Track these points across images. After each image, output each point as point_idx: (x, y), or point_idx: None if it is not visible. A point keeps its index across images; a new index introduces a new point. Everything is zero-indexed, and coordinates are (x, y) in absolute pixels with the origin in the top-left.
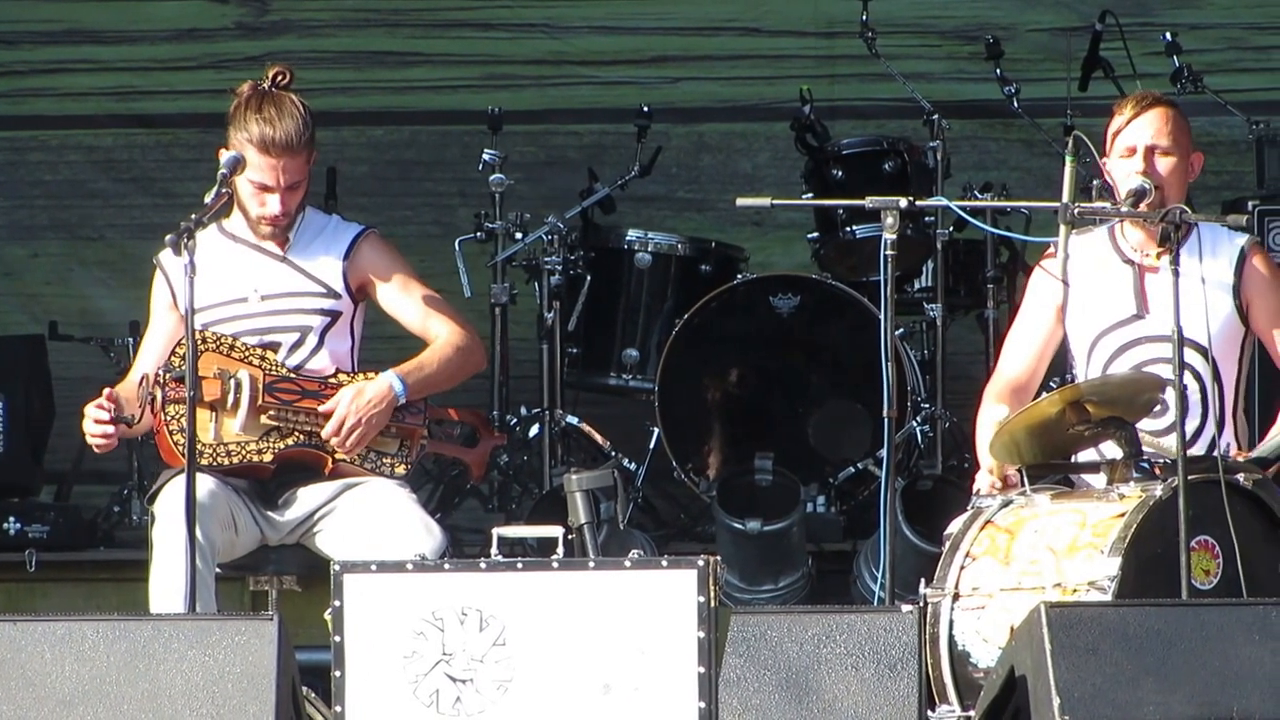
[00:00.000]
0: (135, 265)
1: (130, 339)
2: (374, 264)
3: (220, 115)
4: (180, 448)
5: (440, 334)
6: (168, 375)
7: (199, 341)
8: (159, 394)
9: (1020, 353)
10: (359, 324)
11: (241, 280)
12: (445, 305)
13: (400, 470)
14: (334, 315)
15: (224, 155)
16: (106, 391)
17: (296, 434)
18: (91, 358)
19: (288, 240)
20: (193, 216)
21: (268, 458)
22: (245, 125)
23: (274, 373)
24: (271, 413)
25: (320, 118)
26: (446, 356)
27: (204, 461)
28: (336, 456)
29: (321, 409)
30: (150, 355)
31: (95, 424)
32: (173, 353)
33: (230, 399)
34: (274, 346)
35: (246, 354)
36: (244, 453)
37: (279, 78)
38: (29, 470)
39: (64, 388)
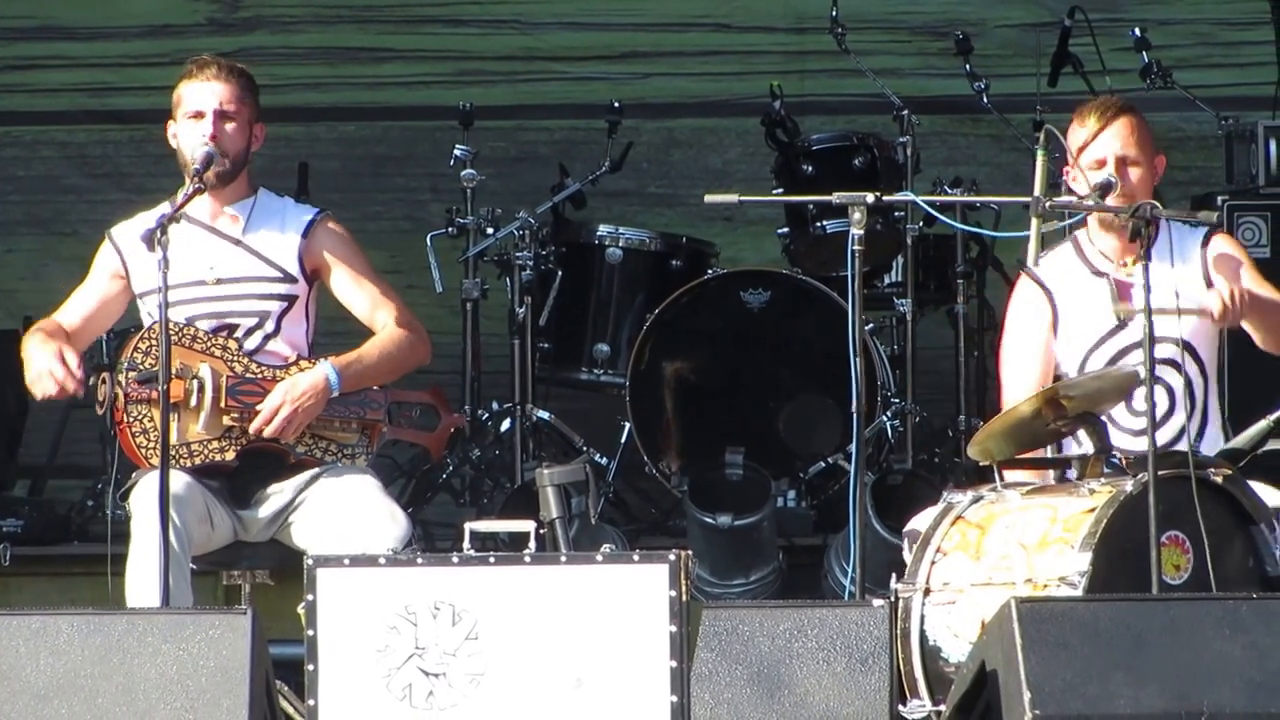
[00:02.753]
0: None
1: (104, 334)
2: (329, 248)
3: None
4: (143, 450)
5: (385, 325)
6: (130, 375)
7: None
8: (120, 393)
9: (1025, 377)
10: (314, 306)
11: (197, 262)
12: (394, 296)
13: (361, 461)
14: (290, 300)
15: (199, 151)
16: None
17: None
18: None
19: (246, 222)
20: (166, 212)
21: (229, 455)
22: (177, 82)
23: (235, 368)
24: (235, 414)
25: (292, 113)
26: (387, 350)
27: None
28: (294, 448)
29: (259, 406)
30: (77, 313)
31: (61, 370)
32: (135, 349)
33: (193, 398)
34: (231, 329)
35: (208, 345)
36: (206, 452)
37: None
38: (2, 464)
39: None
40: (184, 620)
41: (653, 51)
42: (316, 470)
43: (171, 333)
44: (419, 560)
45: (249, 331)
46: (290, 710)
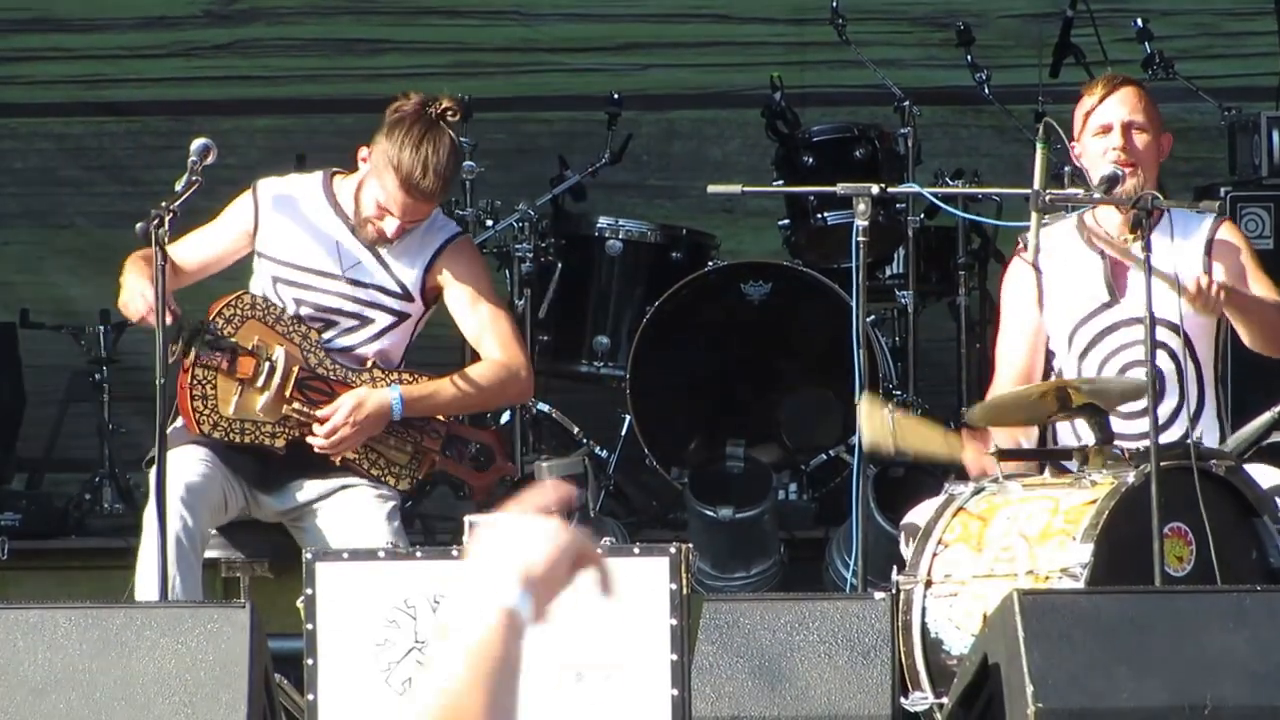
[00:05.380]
0: (105, 253)
1: (101, 327)
2: (453, 270)
3: (191, 103)
4: (196, 415)
5: (483, 358)
6: (206, 339)
7: (248, 305)
8: (192, 354)
9: (1014, 350)
10: (420, 325)
11: (334, 256)
12: (507, 328)
13: (404, 485)
14: (401, 316)
15: (195, 142)
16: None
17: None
18: (62, 346)
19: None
20: (164, 205)
21: (280, 442)
22: (400, 148)
23: (310, 359)
24: (297, 405)
25: (289, 105)
26: (468, 388)
27: (216, 434)
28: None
29: (320, 413)
30: (193, 255)
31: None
32: (220, 313)
33: (262, 378)
34: (330, 325)
35: (289, 328)
36: (258, 434)
37: (449, 113)
38: (0, 458)
39: (34, 376)
40: (182, 614)
41: (652, 43)
42: (344, 483)
43: (259, 308)
44: (418, 554)
45: (346, 330)
46: (290, 704)
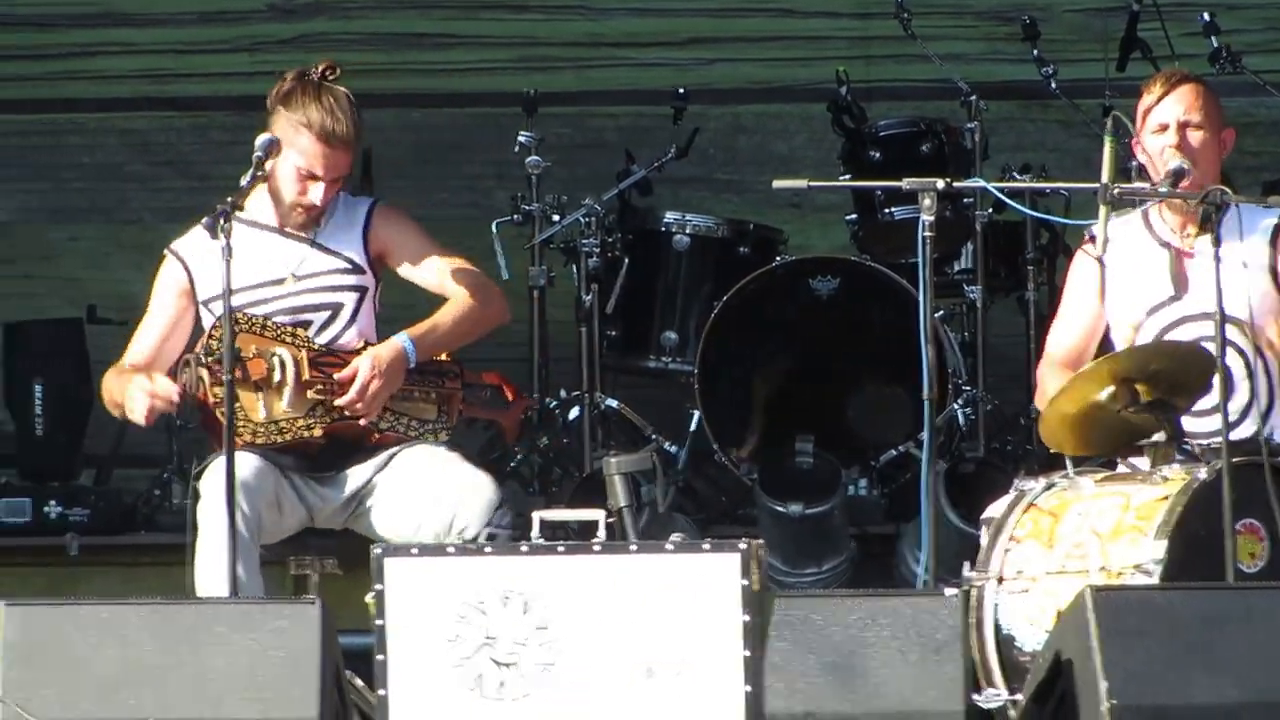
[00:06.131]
0: None
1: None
2: (389, 232)
3: (256, 98)
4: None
5: (455, 292)
6: (208, 358)
7: (233, 324)
8: (205, 375)
9: (1067, 332)
10: (377, 301)
11: (275, 263)
12: (461, 262)
13: (443, 436)
14: (361, 291)
15: (259, 138)
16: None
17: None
18: (129, 341)
19: (315, 225)
20: (229, 200)
21: (317, 432)
22: (304, 110)
23: (311, 348)
24: (318, 387)
25: (356, 99)
26: (459, 314)
27: (259, 441)
28: (378, 425)
29: (339, 376)
30: (149, 340)
31: (158, 396)
32: (209, 337)
33: (276, 376)
34: (305, 325)
35: (279, 333)
36: (294, 429)
37: (329, 72)
38: (68, 454)
39: (102, 371)
40: (252, 610)
41: (717, 37)
42: (393, 450)
43: (242, 322)
44: (487, 550)
45: (322, 326)
46: (360, 700)
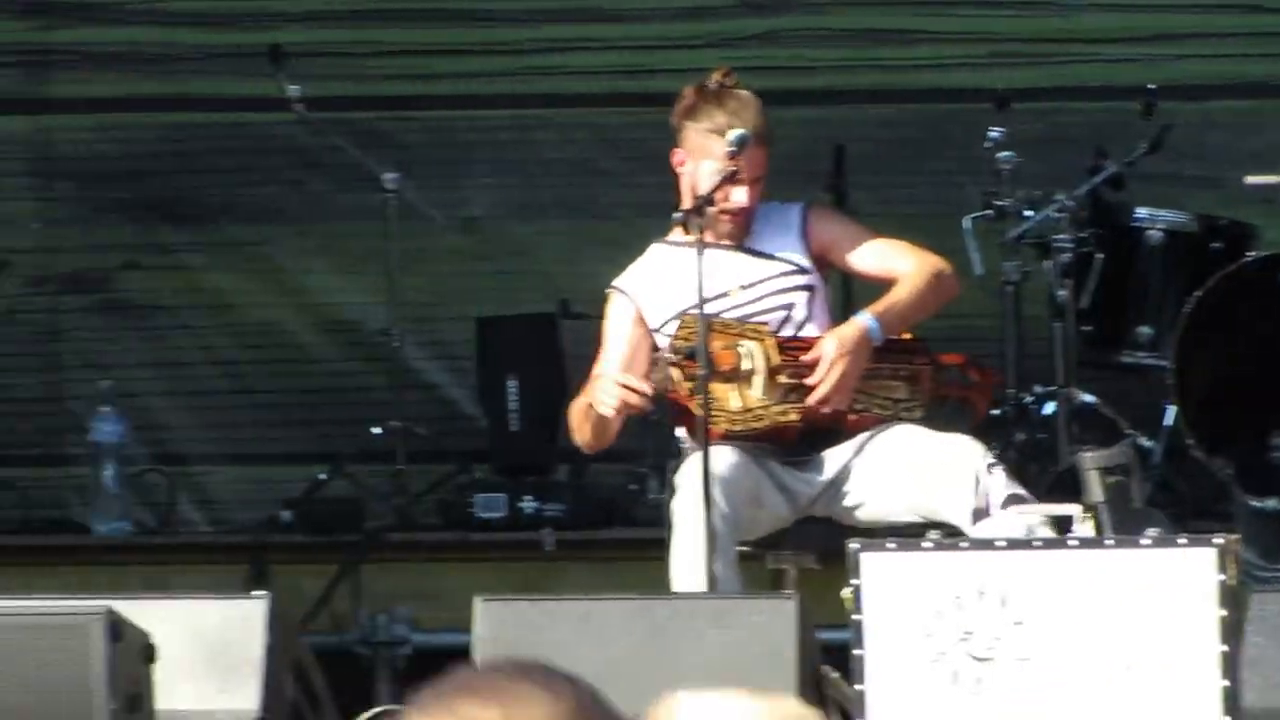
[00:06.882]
0: (645, 244)
1: None
2: (827, 228)
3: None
4: (712, 422)
5: (904, 269)
6: (678, 355)
7: (696, 320)
8: (676, 373)
9: None
10: (828, 298)
11: (716, 278)
12: (901, 243)
13: (917, 414)
14: (811, 290)
15: (731, 133)
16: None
17: None
18: (600, 336)
19: (747, 233)
20: (700, 196)
21: (793, 416)
22: (710, 117)
23: (776, 337)
24: (789, 372)
25: (824, 96)
26: (915, 287)
27: (736, 428)
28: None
29: (805, 358)
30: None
31: (631, 389)
32: (677, 335)
33: (745, 365)
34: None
35: (742, 329)
36: (770, 415)
37: (726, 79)
38: (544, 449)
39: (576, 366)
40: (728, 605)
41: (1186, 33)
42: (871, 432)
43: (705, 320)
44: (962, 545)
45: (776, 329)
46: (839, 695)
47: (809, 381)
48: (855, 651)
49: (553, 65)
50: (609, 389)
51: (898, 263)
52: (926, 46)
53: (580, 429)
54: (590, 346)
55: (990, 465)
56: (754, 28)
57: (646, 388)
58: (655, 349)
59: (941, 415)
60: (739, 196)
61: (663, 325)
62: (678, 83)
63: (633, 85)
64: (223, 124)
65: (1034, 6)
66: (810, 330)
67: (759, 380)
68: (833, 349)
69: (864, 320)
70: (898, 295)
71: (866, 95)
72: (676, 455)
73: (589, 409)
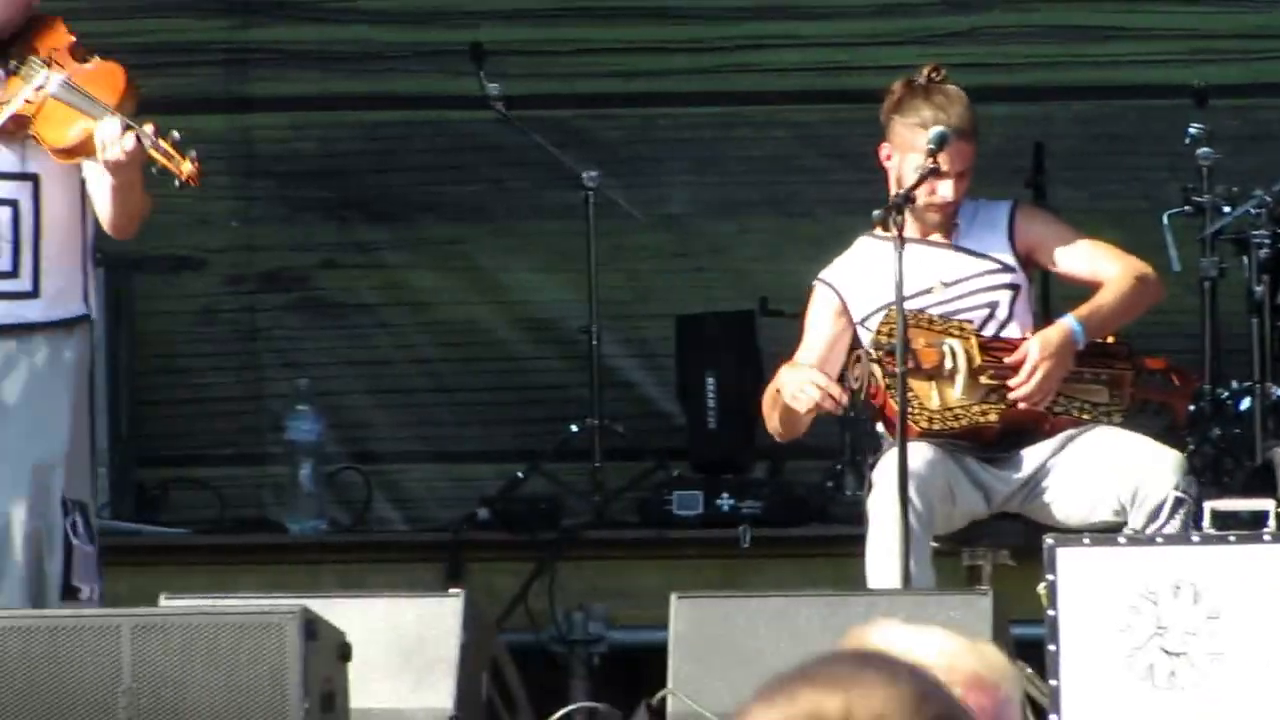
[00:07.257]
0: (844, 241)
1: None
2: (1035, 228)
3: None
4: (911, 418)
5: (1110, 273)
6: (880, 351)
7: (896, 318)
8: (878, 370)
9: None
10: (1034, 300)
11: (921, 273)
12: (1108, 245)
13: (1117, 419)
14: (1015, 289)
15: (932, 130)
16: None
17: None
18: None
19: (954, 229)
20: (899, 193)
21: (992, 417)
22: (917, 112)
23: (979, 336)
24: (991, 373)
25: (1026, 92)
26: (1120, 292)
27: (935, 426)
28: (1052, 408)
29: (1008, 360)
30: (808, 361)
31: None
32: (878, 332)
33: (948, 364)
34: (965, 324)
35: (945, 326)
36: (969, 415)
37: (934, 74)
38: (741, 447)
39: (774, 364)
40: (924, 601)
41: None
42: (1070, 433)
43: (909, 317)
44: (1158, 540)
45: (979, 326)
46: (1033, 690)
47: (1012, 383)
48: (1050, 647)
49: (752, 62)
50: (806, 387)
51: (1104, 266)
52: (1126, 43)
53: (769, 416)
54: (789, 344)
55: (1179, 499)
56: (958, 24)
57: (843, 396)
58: (856, 344)
59: (1141, 418)
60: (944, 191)
61: (866, 318)
62: (878, 80)
63: (832, 82)
64: (422, 122)
65: (1233, 2)
66: (1013, 329)
67: (960, 379)
68: (1037, 351)
69: (1069, 324)
70: (1103, 300)
71: (1067, 92)
72: (875, 451)
73: (777, 396)
